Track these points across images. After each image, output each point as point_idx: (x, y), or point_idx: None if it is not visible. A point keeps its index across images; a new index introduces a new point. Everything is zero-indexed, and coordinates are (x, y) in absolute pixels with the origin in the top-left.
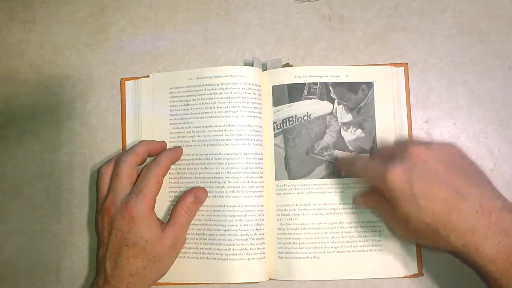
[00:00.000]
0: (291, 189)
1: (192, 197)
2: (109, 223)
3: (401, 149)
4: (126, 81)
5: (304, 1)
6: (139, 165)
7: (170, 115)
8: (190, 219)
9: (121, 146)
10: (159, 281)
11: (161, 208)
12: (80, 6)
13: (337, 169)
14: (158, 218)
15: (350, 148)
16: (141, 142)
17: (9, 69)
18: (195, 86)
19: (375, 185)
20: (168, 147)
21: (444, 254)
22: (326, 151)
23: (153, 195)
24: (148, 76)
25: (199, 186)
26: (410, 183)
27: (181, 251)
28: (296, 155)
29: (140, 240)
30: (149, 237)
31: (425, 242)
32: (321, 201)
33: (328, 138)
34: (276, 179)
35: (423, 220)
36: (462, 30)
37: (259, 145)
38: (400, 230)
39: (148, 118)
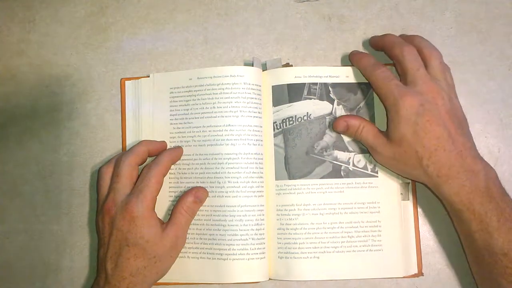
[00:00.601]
0: (291, 189)
1: (192, 197)
2: (110, 223)
3: (418, 77)
4: (126, 81)
5: (304, 1)
6: (140, 165)
7: (170, 115)
8: (190, 219)
9: (121, 146)
10: (159, 281)
11: (161, 208)
12: (80, 6)
13: (350, 59)
14: (159, 218)
15: (350, 148)
16: (141, 142)
17: (9, 69)
18: (195, 86)
19: (380, 93)
20: (168, 147)
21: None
22: (326, 151)
23: (154, 195)
24: (148, 76)
25: (199, 186)
26: (418, 114)
27: (181, 251)
28: (296, 155)
29: (140, 240)
30: (149, 237)
31: (402, 168)
32: (321, 201)
33: (328, 138)
34: (276, 179)
35: (414, 147)
36: (462, 30)
37: (259, 145)
38: (383, 154)
39: (148, 118)
